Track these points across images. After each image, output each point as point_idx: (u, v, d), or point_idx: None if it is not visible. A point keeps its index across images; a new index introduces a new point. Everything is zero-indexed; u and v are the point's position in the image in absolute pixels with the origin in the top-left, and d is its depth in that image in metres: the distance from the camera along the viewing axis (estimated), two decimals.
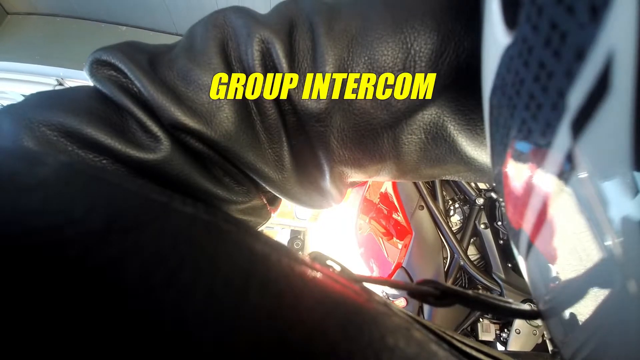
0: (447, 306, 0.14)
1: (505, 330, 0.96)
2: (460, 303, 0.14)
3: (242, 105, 0.21)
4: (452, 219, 1.06)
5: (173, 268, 0.08)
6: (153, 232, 0.08)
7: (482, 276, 0.96)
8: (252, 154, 0.21)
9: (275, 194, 0.24)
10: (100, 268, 0.07)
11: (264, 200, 0.27)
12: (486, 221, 1.01)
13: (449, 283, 0.99)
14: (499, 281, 0.95)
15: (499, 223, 1.00)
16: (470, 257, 1.00)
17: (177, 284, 0.07)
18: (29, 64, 1.38)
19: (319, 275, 0.10)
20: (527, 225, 0.12)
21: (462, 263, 0.98)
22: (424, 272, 1.01)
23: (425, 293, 0.14)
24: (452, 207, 1.07)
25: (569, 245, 0.10)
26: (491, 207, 1.03)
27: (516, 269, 0.96)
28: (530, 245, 0.12)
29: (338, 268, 0.15)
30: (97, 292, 0.07)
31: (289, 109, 0.21)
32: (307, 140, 0.22)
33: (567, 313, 0.12)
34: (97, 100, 0.20)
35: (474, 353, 0.13)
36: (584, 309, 0.11)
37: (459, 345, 0.12)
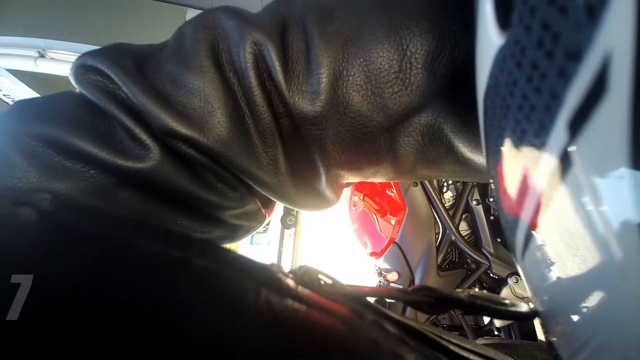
0: (441, 313, 0.14)
1: None
2: (455, 307, 0.14)
3: (234, 110, 0.20)
4: (445, 195, 1.07)
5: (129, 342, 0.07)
6: (107, 296, 0.07)
7: (472, 251, 0.99)
8: (246, 159, 0.21)
9: (270, 197, 0.24)
10: None
11: (259, 204, 0.26)
12: (478, 197, 1.02)
13: (440, 258, 1.02)
14: (488, 255, 0.98)
15: (491, 199, 1.01)
16: (461, 232, 1.02)
17: None
18: (10, 36, 1.32)
19: (302, 307, 0.10)
20: (523, 225, 0.12)
21: (453, 238, 1.01)
22: (416, 247, 1.03)
23: (419, 302, 0.14)
24: (445, 184, 1.08)
25: (566, 245, 0.10)
26: (484, 184, 1.05)
27: (505, 243, 0.99)
28: (526, 245, 0.13)
29: (329, 281, 0.14)
30: None
31: (283, 112, 0.20)
32: (303, 144, 0.22)
33: (565, 314, 0.12)
34: (83, 107, 0.19)
35: (470, 356, 0.13)
36: (582, 310, 0.11)
37: (454, 348, 0.13)
